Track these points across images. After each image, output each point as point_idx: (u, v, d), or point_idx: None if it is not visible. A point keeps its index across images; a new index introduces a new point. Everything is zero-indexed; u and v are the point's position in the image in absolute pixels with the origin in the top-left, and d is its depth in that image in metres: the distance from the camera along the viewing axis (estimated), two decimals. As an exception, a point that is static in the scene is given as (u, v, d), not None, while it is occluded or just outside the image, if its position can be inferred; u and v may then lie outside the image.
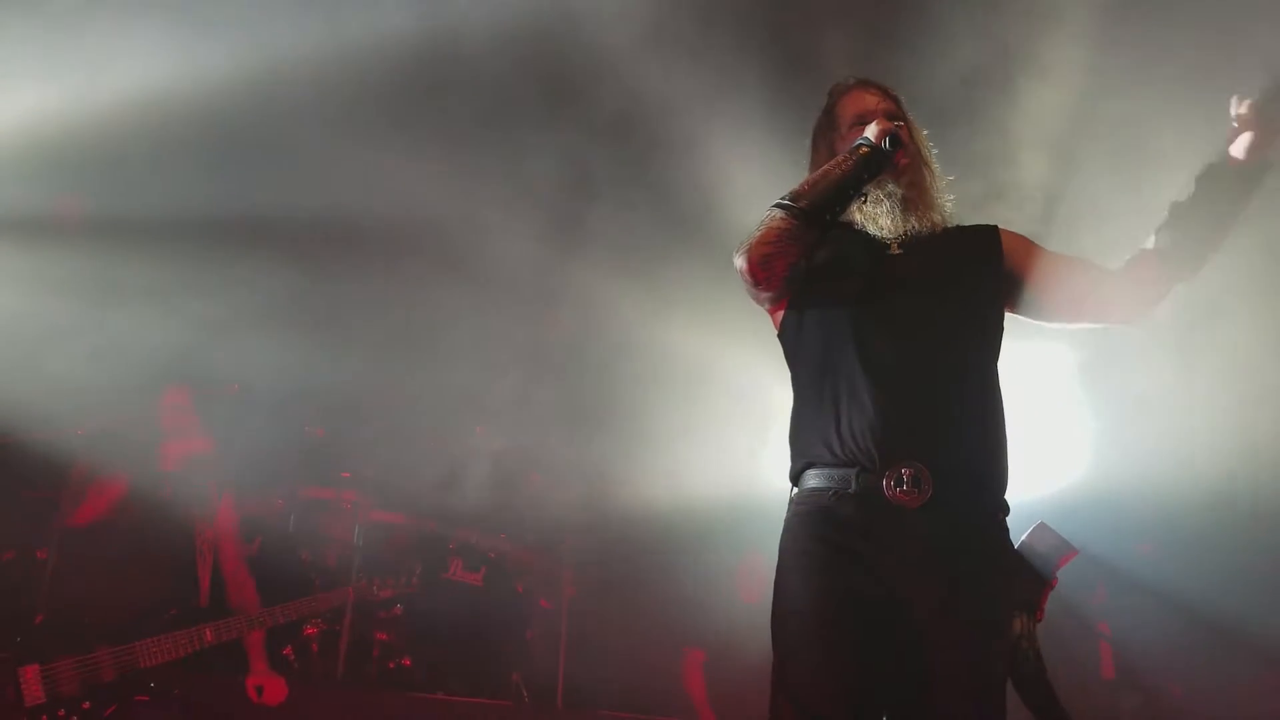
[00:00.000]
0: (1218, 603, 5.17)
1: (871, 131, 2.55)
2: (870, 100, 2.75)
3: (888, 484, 2.34)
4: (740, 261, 2.52)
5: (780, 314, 2.71)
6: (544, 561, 6.57)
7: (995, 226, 2.71)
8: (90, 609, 4.18)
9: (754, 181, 4.75)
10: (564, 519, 6.41)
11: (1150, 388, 5.11)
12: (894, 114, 2.72)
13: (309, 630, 5.49)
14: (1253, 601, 5.11)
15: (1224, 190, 2.37)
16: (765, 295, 2.63)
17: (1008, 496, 2.46)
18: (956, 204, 2.73)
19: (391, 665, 5.73)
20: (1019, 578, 2.32)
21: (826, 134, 2.79)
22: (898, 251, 2.59)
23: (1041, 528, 2.37)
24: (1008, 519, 2.44)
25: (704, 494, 5.86)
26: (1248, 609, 5.12)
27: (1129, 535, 5.03)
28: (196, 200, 5.43)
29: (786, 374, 2.70)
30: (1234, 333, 5.23)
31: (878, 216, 2.61)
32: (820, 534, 2.38)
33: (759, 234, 2.50)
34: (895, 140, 2.52)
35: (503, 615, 6.27)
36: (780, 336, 2.73)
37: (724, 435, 6.02)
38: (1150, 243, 2.48)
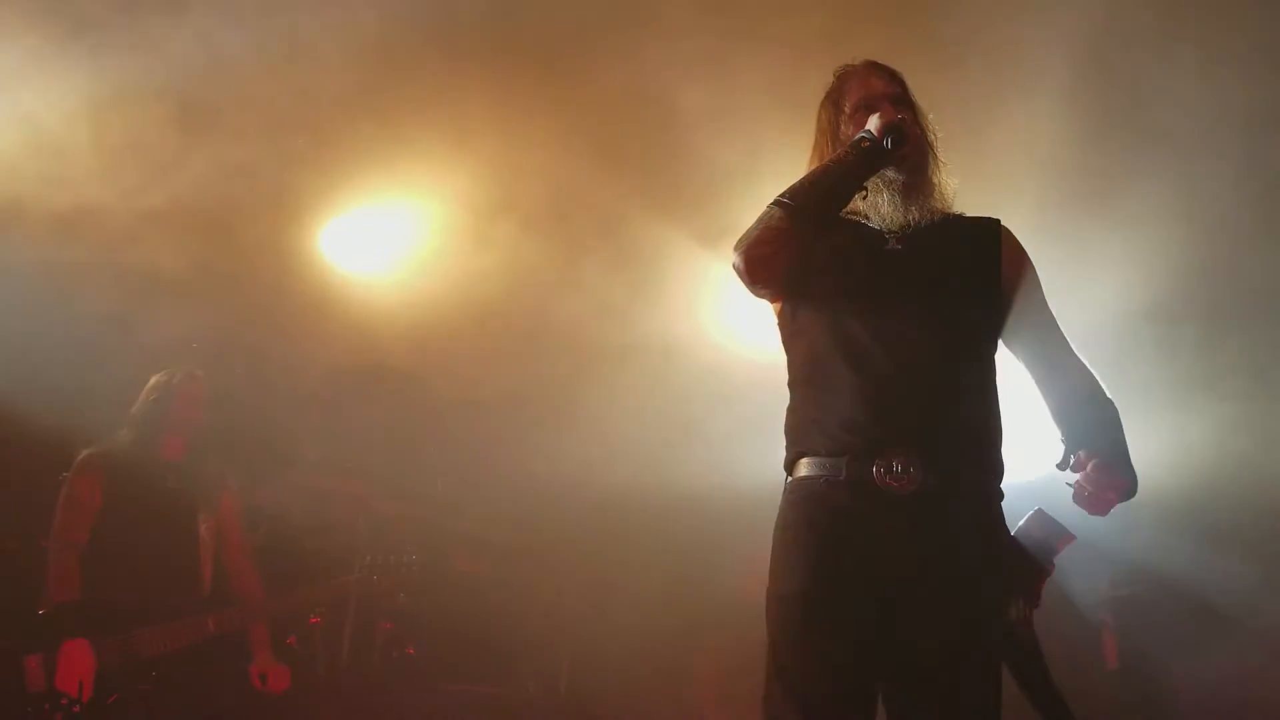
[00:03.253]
0: (1223, 591, 5.16)
1: (874, 124, 2.52)
2: (876, 84, 2.71)
3: (877, 471, 2.34)
4: (738, 261, 2.51)
5: (779, 305, 2.71)
6: (548, 550, 6.57)
7: (998, 223, 2.69)
8: (93, 599, 4.19)
9: (747, 163, 4.74)
10: (568, 508, 6.41)
11: (1155, 376, 5.09)
12: (900, 98, 2.69)
13: (313, 619, 5.50)
14: (1258, 590, 5.10)
15: None
16: (764, 291, 2.62)
17: (1005, 487, 2.46)
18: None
19: (395, 654, 5.73)
20: (1014, 563, 2.32)
21: (831, 116, 2.76)
22: (896, 246, 2.56)
23: (1039, 514, 2.36)
24: (1003, 504, 2.44)
25: (708, 482, 5.85)
26: (1253, 598, 5.10)
27: (1133, 523, 5.01)
28: (202, 188, 5.42)
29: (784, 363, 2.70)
30: (1244, 323, 5.23)
31: (879, 205, 2.59)
32: (811, 520, 2.39)
33: (756, 233, 2.49)
34: (898, 138, 2.48)
35: (507, 604, 6.28)
36: (779, 327, 2.73)
37: (731, 423, 6.02)
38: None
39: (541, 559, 6.56)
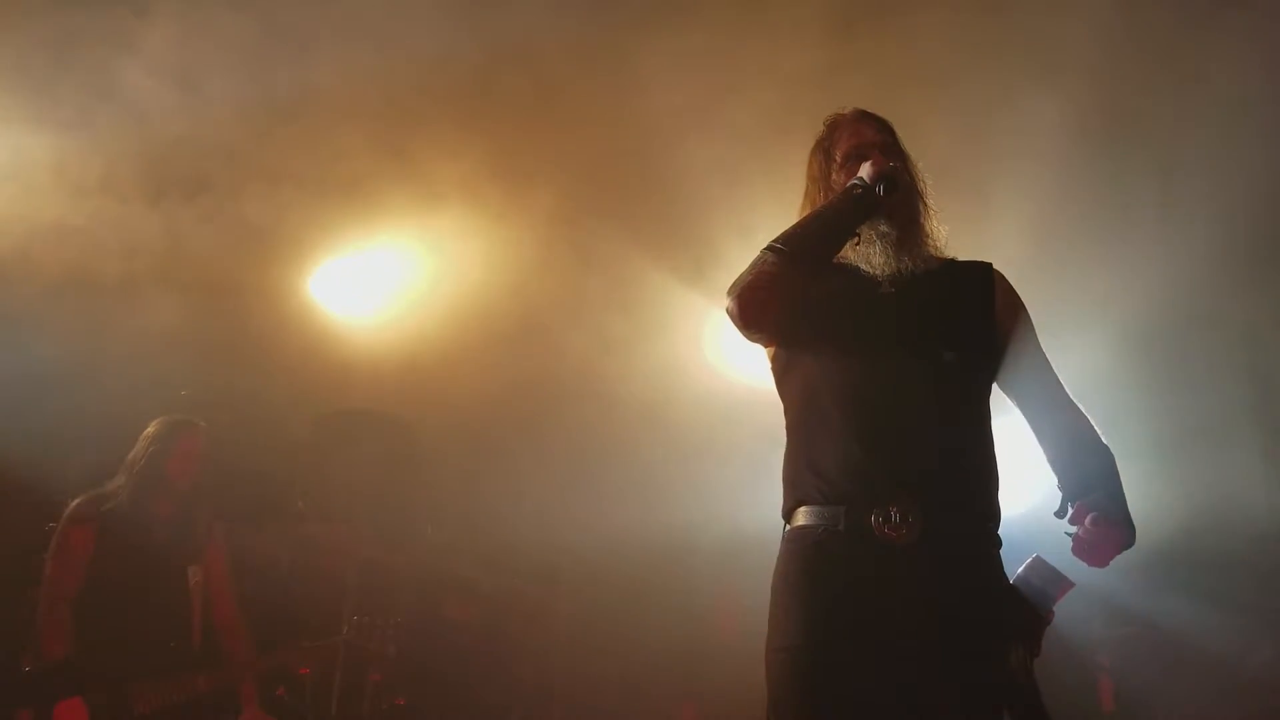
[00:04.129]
0: (1217, 635, 5.15)
1: (866, 172, 2.54)
2: (867, 133, 2.73)
3: (876, 521, 2.33)
4: (732, 305, 2.52)
5: (774, 350, 2.71)
6: (538, 598, 6.53)
7: (990, 267, 2.70)
8: (83, 654, 4.14)
9: (736, 210, 4.78)
10: (558, 555, 6.38)
11: (1148, 418, 5.11)
12: (889, 147, 2.70)
13: (302, 670, 5.43)
14: (1252, 633, 5.09)
15: None
16: (758, 336, 2.62)
17: (1001, 532, 2.45)
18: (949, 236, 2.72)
19: (385, 705, 5.67)
20: (1013, 611, 2.30)
21: (822, 165, 2.77)
22: (890, 290, 2.57)
23: (1037, 560, 2.34)
24: (1001, 551, 2.43)
25: (701, 529, 5.84)
26: (1247, 641, 5.09)
27: (1127, 566, 4.99)
28: (191, 236, 5.43)
29: (779, 408, 2.70)
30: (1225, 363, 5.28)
31: (870, 256, 2.59)
32: (810, 571, 2.37)
33: (750, 278, 2.49)
34: (890, 185, 2.50)
35: (496, 652, 6.23)
36: (773, 372, 2.72)
37: (719, 471, 6.01)
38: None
39: (532, 606, 6.51)
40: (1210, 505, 5.16)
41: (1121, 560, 2.39)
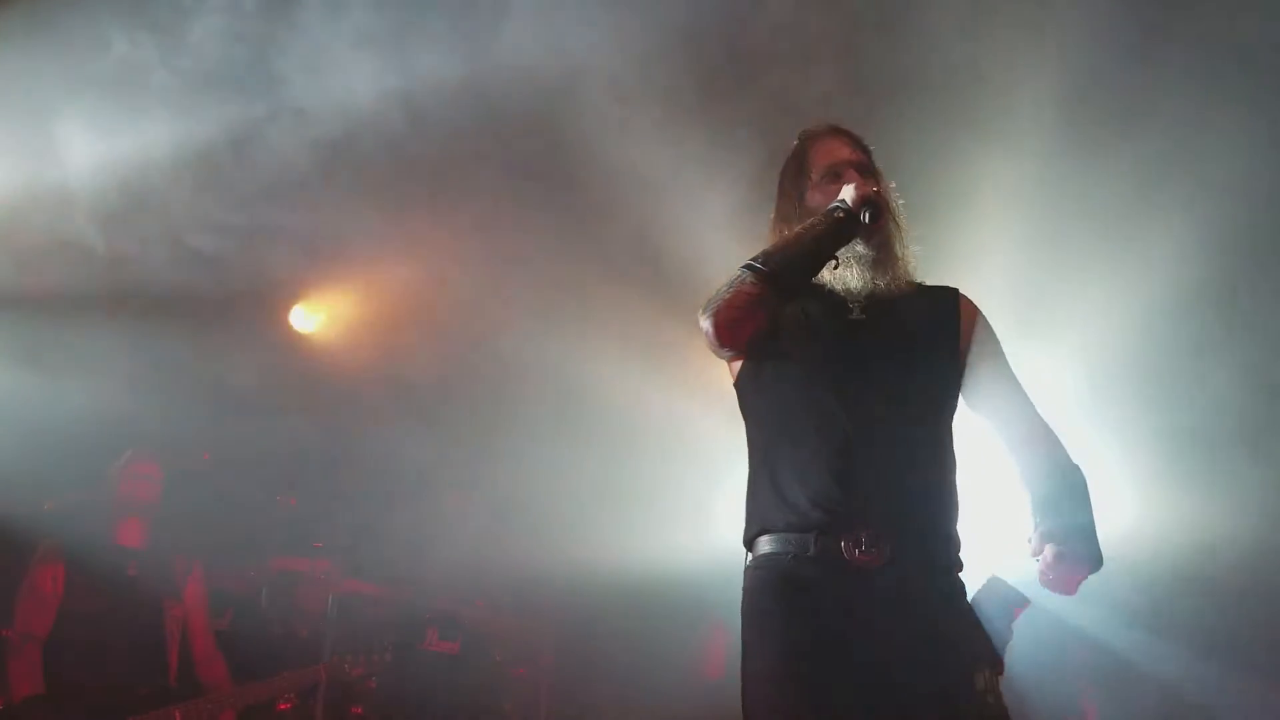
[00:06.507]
0: (1198, 669, 5.13)
1: (849, 195, 2.49)
2: (842, 151, 2.71)
3: (847, 546, 2.31)
4: (706, 324, 2.48)
5: (739, 368, 2.67)
6: (521, 630, 6.50)
7: (956, 292, 2.69)
8: (58, 692, 4.10)
9: (712, 229, 4.79)
10: (541, 587, 6.36)
11: (1128, 451, 5.11)
12: (865, 166, 2.69)
13: (282, 705, 5.38)
14: (1232, 667, 5.08)
15: None
16: (728, 353, 2.59)
17: (964, 554, 2.44)
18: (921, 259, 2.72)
19: (367, 739, 5.63)
20: (974, 632, 2.30)
21: (796, 181, 2.74)
22: (860, 316, 2.56)
23: (994, 580, 2.34)
24: (962, 574, 2.42)
25: (689, 556, 5.82)
26: (1228, 675, 5.08)
27: (1110, 599, 4.98)
28: (165, 274, 5.43)
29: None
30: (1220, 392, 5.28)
31: (847, 278, 2.58)
32: (781, 597, 2.35)
33: (727, 297, 2.45)
34: (875, 212, 2.47)
35: (480, 685, 6.19)
36: (736, 387, 2.70)
37: (707, 498, 6.00)
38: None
39: (514, 638, 6.48)
40: (1194, 530, 5.14)
41: (1105, 588, 2.38)
